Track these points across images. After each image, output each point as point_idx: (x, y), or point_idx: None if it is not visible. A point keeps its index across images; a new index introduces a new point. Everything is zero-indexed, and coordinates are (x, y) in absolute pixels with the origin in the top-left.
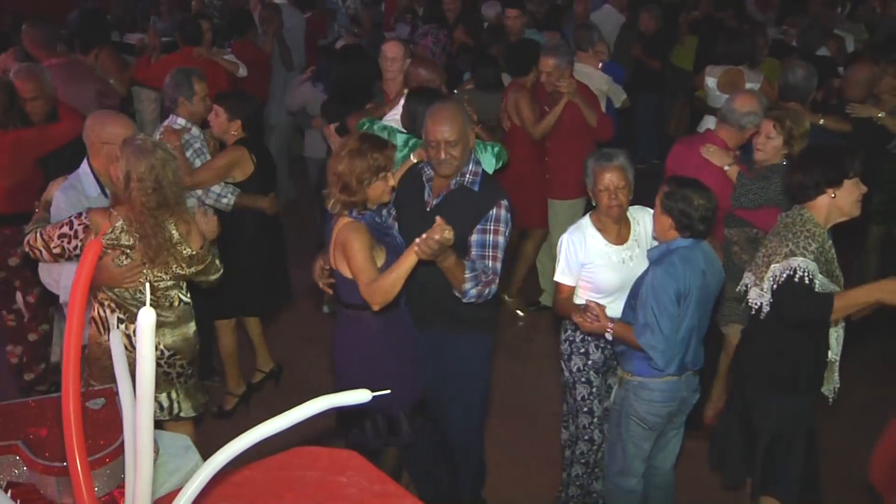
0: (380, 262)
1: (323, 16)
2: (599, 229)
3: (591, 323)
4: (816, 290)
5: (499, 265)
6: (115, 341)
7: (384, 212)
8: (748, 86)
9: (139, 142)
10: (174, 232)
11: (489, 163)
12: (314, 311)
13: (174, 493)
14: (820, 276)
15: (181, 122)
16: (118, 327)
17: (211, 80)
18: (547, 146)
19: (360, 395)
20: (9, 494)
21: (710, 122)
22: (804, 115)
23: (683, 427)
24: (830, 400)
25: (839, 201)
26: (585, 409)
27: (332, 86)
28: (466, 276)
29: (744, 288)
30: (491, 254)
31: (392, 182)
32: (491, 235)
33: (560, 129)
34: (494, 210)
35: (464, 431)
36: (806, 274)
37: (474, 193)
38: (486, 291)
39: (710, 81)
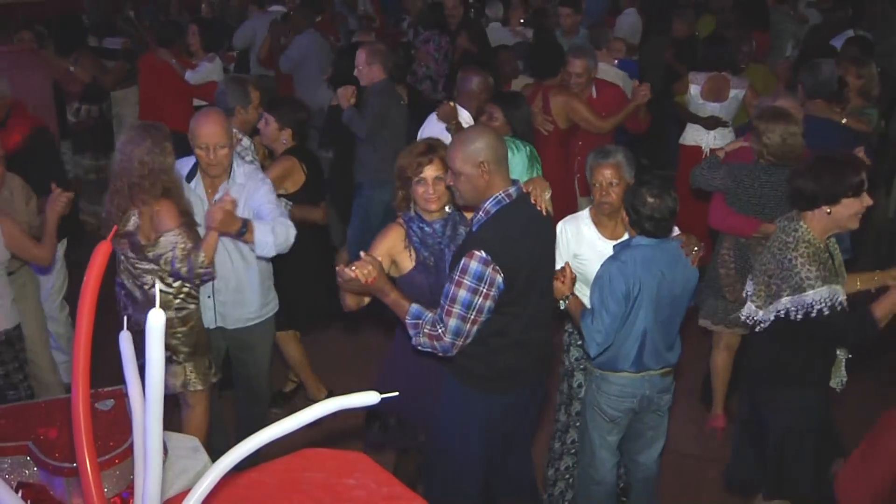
0: (405, 267)
1: (334, 19)
2: (595, 223)
3: (559, 282)
4: (842, 309)
5: (454, 322)
6: (125, 342)
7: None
8: (733, 93)
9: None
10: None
11: (520, 163)
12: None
13: (183, 495)
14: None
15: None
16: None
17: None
18: (577, 146)
19: (369, 398)
20: (20, 494)
21: (694, 132)
22: (784, 122)
23: (663, 427)
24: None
25: (835, 216)
26: (580, 396)
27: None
28: (407, 320)
29: (746, 294)
30: (446, 307)
31: (433, 191)
32: (452, 286)
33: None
34: (464, 260)
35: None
36: (824, 304)
37: (465, 235)
38: (435, 345)
39: (694, 89)
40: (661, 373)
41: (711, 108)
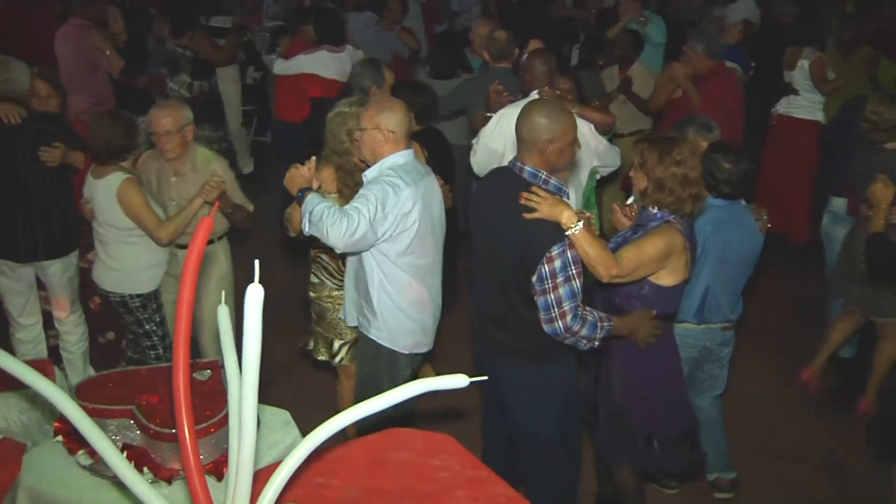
0: (680, 275)
1: (436, 3)
2: None
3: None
4: None
5: (563, 291)
6: (223, 316)
7: None
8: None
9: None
10: None
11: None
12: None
13: (273, 466)
14: None
15: None
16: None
17: None
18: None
19: (457, 381)
20: (124, 455)
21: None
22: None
23: (722, 377)
24: None
25: None
26: None
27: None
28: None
29: None
30: (557, 313)
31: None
32: (551, 294)
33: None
34: (545, 267)
35: (539, 471)
36: None
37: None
38: (560, 324)
39: (804, 63)
40: (722, 327)
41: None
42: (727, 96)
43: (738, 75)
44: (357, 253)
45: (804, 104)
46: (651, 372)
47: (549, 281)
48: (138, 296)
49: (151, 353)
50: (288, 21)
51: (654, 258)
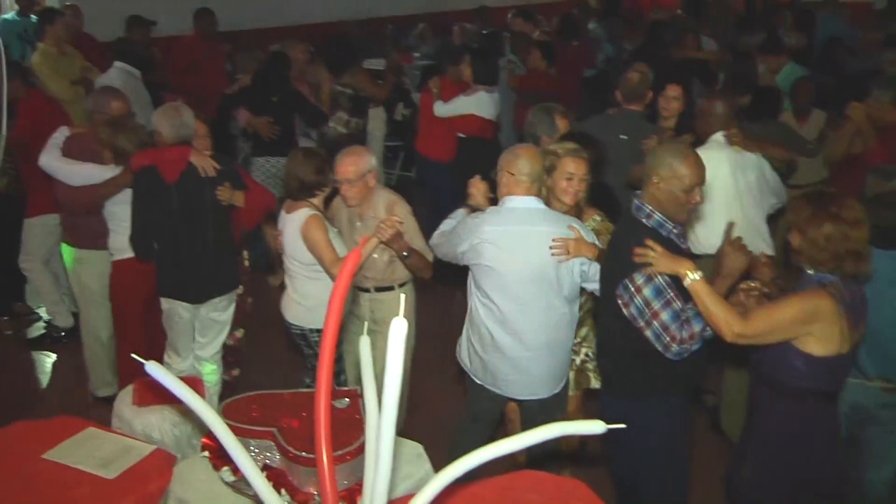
0: (833, 346)
1: (587, 46)
2: None
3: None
4: None
5: (666, 316)
6: (364, 347)
7: None
8: None
9: None
10: None
11: None
12: None
13: (405, 498)
14: None
15: None
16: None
17: None
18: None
19: (595, 427)
20: (265, 475)
21: None
22: None
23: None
24: None
25: None
26: None
27: None
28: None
29: None
30: (648, 317)
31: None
32: (654, 322)
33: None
34: (637, 298)
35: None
36: None
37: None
38: (676, 347)
39: None
40: (881, 386)
41: None
42: None
43: None
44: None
45: None
46: (799, 448)
47: (648, 310)
48: (318, 330)
49: None
50: (437, 60)
51: (791, 322)
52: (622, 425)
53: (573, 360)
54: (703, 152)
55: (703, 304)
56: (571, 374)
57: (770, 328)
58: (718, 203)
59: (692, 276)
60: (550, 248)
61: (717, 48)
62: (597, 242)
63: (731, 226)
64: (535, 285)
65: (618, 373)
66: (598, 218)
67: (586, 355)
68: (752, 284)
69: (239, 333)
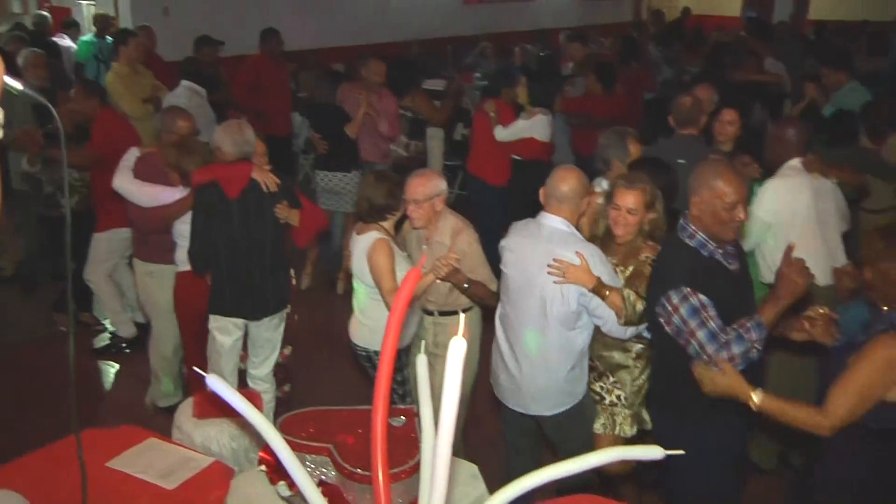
0: None
1: (648, 69)
2: None
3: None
4: None
5: (702, 335)
6: (421, 366)
7: None
8: None
9: None
10: None
11: None
12: None
13: None
14: None
15: (605, 184)
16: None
17: None
18: None
19: (653, 452)
20: (320, 490)
21: None
22: None
23: None
24: None
25: None
26: None
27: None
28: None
29: None
30: (686, 336)
31: None
32: (693, 341)
33: None
34: (675, 316)
35: None
36: None
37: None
38: (735, 354)
39: None
40: None
41: None
42: None
43: None
44: None
45: None
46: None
47: (685, 329)
48: None
49: None
50: (491, 82)
51: (872, 386)
52: (680, 451)
53: (602, 398)
54: (782, 180)
55: (783, 418)
56: (599, 409)
57: (857, 403)
58: (800, 231)
59: (755, 399)
60: (548, 265)
61: (784, 70)
62: (605, 276)
63: (790, 248)
64: (527, 299)
65: (668, 393)
66: (650, 256)
67: (617, 398)
68: (821, 311)
69: (287, 350)
